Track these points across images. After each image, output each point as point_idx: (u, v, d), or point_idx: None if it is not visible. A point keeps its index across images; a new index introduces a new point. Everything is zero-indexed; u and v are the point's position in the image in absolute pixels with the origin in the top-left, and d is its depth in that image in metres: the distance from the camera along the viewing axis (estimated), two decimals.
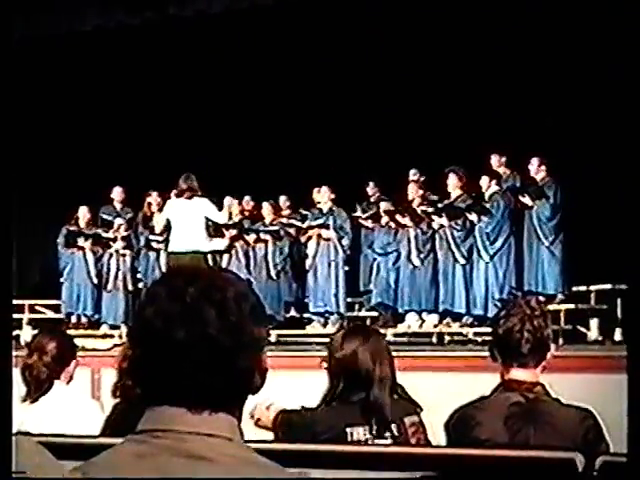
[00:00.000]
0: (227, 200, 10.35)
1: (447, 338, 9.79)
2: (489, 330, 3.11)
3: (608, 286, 9.12)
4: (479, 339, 9.11)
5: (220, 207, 10.02)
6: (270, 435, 3.23)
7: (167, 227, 10.28)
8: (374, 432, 3.14)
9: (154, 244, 11.32)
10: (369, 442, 3.09)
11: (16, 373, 3.39)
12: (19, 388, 3.69)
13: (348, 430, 3.13)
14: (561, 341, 8.66)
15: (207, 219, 9.86)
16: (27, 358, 3.78)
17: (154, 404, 1.42)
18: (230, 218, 10.58)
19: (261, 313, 1.50)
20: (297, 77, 11.72)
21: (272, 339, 9.87)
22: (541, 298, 9.16)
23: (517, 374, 2.90)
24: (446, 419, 2.98)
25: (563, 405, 2.91)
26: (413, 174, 10.69)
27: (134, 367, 1.46)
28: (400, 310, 10.25)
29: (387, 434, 3.15)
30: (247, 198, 11.52)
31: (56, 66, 12.13)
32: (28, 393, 3.76)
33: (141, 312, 1.44)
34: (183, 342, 1.39)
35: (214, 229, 10.64)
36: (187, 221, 9.57)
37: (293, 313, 11.20)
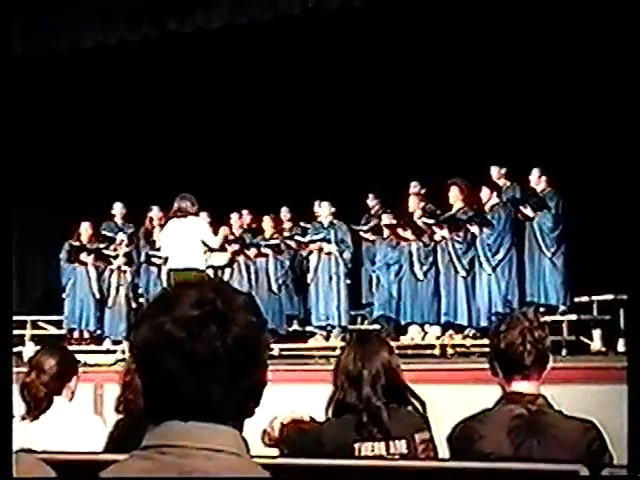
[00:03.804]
0: (223, 230, 10.29)
1: (450, 350, 9.76)
2: None
3: (610, 296, 9.08)
4: (482, 351, 9.08)
5: (220, 220, 9.93)
6: (275, 451, 3.22)
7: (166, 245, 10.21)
8: (382, 448, 3.12)
9: (155, 260, 11.31)
10: (377, 457, 3.08)
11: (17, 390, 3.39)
12: (19, 406, 3.67)
13: (356, 446, 3.12)
14: (564, 352, 8.64)
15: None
16: (25, 376, 3.77)
17: (160, 418, 1.40)
18: (232, 234, 10.52)
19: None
20: (297, 91, 11.74)
21: (274, 353, 9.86)
22: (542, 309, 9.18)
23: (519, 386, 2.89)
24: (449, 432, 2.97)
25: (566, 417, 2.90)
26: (414, 186, 10.69)
27: (142, 378, 1.42)
28: (402, 322, 10.23)
29: (397, 448, 3.13)
30: (246, 211, 11.52)
31: (57, 82, 12.15)
32: (27, 411, 3.74)
33: (153, 321, 1.39)
34: (204, 355, 1.36)
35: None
36: (184, 239, 9.44)
37: (295, 327, 11.19)
